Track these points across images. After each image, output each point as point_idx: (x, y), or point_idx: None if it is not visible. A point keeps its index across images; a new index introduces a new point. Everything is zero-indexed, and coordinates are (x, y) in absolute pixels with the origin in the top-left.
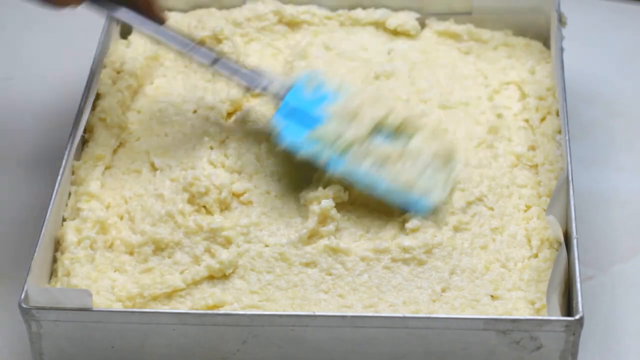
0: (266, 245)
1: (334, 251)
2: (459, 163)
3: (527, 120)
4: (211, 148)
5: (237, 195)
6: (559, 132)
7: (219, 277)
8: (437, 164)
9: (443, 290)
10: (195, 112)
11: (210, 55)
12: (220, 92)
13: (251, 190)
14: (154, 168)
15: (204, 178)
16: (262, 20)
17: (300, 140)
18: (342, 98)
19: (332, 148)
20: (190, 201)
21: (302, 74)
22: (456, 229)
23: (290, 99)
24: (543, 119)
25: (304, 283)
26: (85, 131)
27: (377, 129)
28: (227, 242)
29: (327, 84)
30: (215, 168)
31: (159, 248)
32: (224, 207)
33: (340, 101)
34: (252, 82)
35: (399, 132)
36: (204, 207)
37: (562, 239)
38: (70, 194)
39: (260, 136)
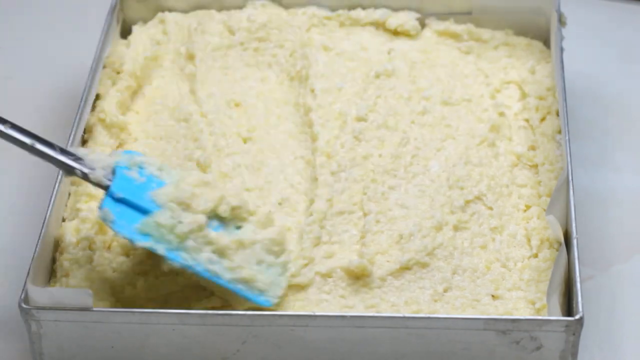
0: None
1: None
2: (290, 252)
3: (527, 120)
4: (198, 165)
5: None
6: (559, 132)
7: None
8: (271, 256)
9: (445, 290)
10: (187, 121)
11: (28, 137)
12: (207, 101)
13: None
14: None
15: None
16: (260, 26)
17: (133, 230)
18: (168, 182)
19: (169, 238)
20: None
21: (120, 157)
22: (456, 228)
23: (116, 186)
24: (543, 119)
25: (306, 286)
26: (84, 131)
27: (209, 216)
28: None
29: (148, 165)
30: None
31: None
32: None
33: (168, 187)
34: (70, 168)
35: (229, 219)
36: None
37: (562, 239)
38: (69, 194)
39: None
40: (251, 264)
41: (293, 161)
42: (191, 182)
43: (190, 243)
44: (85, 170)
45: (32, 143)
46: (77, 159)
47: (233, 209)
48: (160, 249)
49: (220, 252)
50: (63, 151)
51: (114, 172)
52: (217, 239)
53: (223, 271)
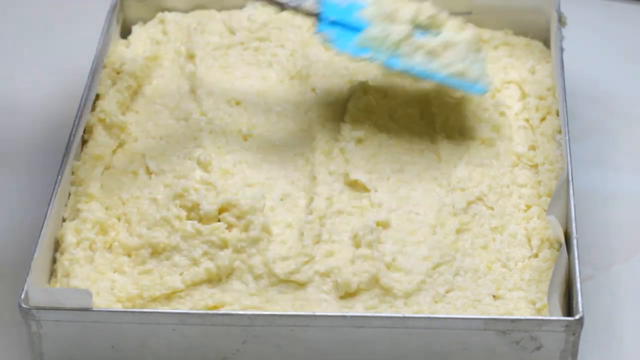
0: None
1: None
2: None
3: (527, 120)
4: (198, 163)
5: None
6: (559, 132)
7: (218, 279)
8: (472, 52)
9: (447, 292)
10: (187, 120)
11: None
12: (207, 99)
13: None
14: (149, 171)
15: (193, 192)
16: (260, 26)
17: (352, 46)
18: (368, 3)
19: (384, 49)
20: (184, 207)
21: None
22: (458, 232)
23: (327, 12)
24: (543, 119)
25: (305, 284)
26: (84, 131)
27: (413, 26)
28: (225, 245)
29: None
30: (207, 184)
31: (156, 252)
32: (217, 219)
33: (371, 6)
34: (281, 3)
35: (428, 26)
36: (199, 214)
37: (562, 239)
38: (69, 194)
39: (250, 144)
40: (459, 60)
41: (293, 158)
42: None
43: (403, 49)
44: (295, 2)
45: None
46: None
47: (430, 17)
48: (381, 58)
49: (431, 54)
50: None
51: (319, 1)
52: (426, 42)
53: (438, 68)
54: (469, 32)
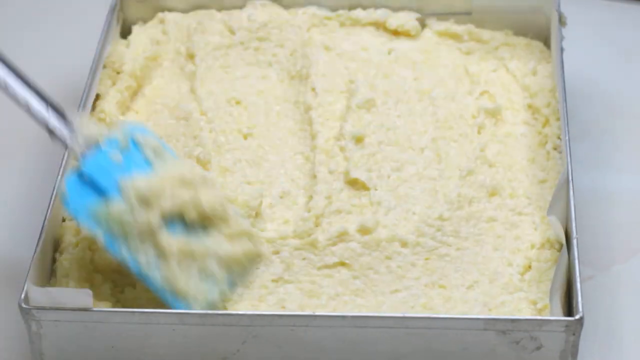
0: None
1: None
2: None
3: (527, 121)
4: (197, 161)
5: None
6: (559, 132)
7: None
8: (224, 271)
9: None
10: (187, 119)
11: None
12: (207, 99)
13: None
14: None
15: None
16: (260, 26)
17: (84, 212)
18: (154, 169)
19: (115, 230)
20: None
21: (121, 129)
22: (457, 231)
23: (90, 161)
24: (544, 120)
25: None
26: None
27: (172, 216)
28: None
29: (146, 146)
30: None
31: None
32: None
33: (139, 179)
34: (50, 129)
35: (201, 222)
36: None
37: (563, 239)
38: None
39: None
40: (191, 271)
41: (292, 157)
42: (170, 178)
43: (133, 241)
44: (65, 134)
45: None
46: (66, 121)
47: (202, 215)
48: (101, 237)
49: (164, 256)
50: (57, 112)
51: (101, 144)
52: (165, 245)
53: (157, 276)
54: (244, 247)
